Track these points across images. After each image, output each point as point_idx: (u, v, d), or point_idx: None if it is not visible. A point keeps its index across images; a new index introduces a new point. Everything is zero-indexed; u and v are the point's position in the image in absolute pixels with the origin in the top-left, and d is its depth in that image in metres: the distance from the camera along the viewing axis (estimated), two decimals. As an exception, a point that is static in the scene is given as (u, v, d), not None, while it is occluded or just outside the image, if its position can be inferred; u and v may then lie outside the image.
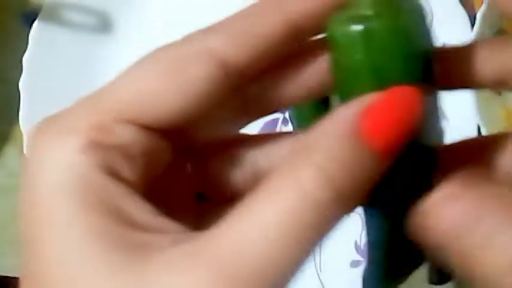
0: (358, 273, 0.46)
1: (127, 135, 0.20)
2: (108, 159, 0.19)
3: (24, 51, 0.50)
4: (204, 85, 0.20)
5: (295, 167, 0.18)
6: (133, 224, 0.19)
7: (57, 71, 0.51)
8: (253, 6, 0.21)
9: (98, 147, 0.19)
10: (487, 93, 0.47)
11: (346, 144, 0.18)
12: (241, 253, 0.17)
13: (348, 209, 0.19)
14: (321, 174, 0.18)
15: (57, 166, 0.19)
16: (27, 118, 0.49)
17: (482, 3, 0.45)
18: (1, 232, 0.51)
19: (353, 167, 0.18)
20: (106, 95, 0.20)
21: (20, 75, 0.50)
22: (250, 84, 0.22)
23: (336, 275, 0.48)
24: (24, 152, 0.49)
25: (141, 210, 0.19)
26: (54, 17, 0.51)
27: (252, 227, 0.18)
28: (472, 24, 0.48)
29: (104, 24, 0.53)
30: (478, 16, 0.46)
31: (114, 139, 0.19)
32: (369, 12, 0.20)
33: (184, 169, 0.23)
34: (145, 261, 0.18)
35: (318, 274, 0.49)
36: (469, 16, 0.50)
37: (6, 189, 0.53)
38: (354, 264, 0.48)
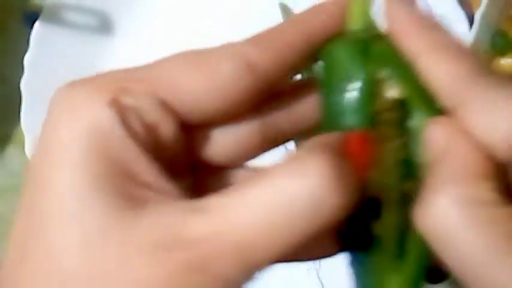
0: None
1: (147, 102, 0.22)
2: (129, 118, 0.21)
3: (26, 51, 0.50)
4: (231, 80, 0.23)
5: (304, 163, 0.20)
6: (137, 180, 0.21)
7: (58, 71, 0.51)
8: (280, 24, 0.25)
9: (121, 105, 0.21)
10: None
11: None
12: (232, 225, 0.20)
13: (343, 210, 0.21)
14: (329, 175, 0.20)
15: (81, 115, 0.21)
16: (28, 118, 0.50)
17: (480, 3, 0.45)
18: (3, 232, 0.51)
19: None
20: (133, 71, 0.23)
21: (21, 75, 0.50)
22: (270, 100, 0.25)
23: (335, 273, 0.48)
24: (26, 152, 0.49)
25: (148, 170, 0.21)
26: (56, 17, 0.52)
27: (248, 204, 0.20)
28: (471, 25, 0.48)
29: (104, 25, 0.53)
30: (477, 17, 0.46)
31: (136, 102, 0.22)
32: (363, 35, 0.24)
33: (183, 139, 0.25)
34: (140, 209, 0.20)
35: (317, 272, 0.49)
36: (468, 17, 0.50)
37: (7, 189, 0.53)
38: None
